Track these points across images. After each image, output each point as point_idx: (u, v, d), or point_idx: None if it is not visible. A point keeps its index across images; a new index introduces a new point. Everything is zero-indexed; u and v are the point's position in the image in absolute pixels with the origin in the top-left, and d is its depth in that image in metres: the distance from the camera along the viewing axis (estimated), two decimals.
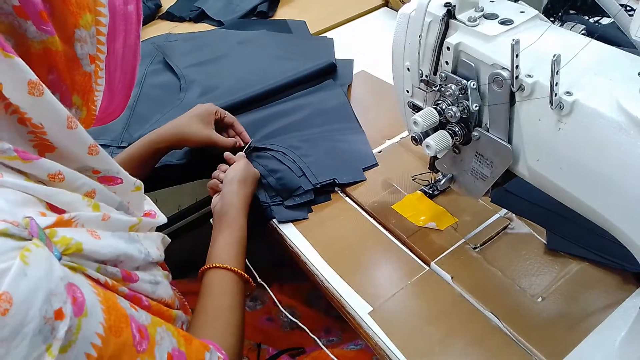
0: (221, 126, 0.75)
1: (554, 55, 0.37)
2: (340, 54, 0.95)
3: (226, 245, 0.59)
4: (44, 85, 0.34)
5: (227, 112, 0.75)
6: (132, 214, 0.47)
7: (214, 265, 0.56)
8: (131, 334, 0.35)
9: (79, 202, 0.38)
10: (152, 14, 1.15)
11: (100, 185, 0.41)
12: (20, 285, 0.28)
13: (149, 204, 0.54)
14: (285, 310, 0.78)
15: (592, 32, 0.88)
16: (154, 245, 0.47)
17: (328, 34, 1.03)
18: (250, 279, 0.58)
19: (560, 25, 0.93)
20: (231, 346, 0.50)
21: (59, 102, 0.36)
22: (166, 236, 0.53)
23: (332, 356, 0.59)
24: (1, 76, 0.32)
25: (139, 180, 0.47)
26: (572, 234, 0.58)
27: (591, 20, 0.91)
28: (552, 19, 1.00)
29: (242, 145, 0.75)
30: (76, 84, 0.39)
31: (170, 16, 1.14)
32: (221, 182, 0.66)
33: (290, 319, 0.70)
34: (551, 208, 0.60)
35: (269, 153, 0.73)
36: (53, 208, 0.36)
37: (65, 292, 0.31)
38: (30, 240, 0.31)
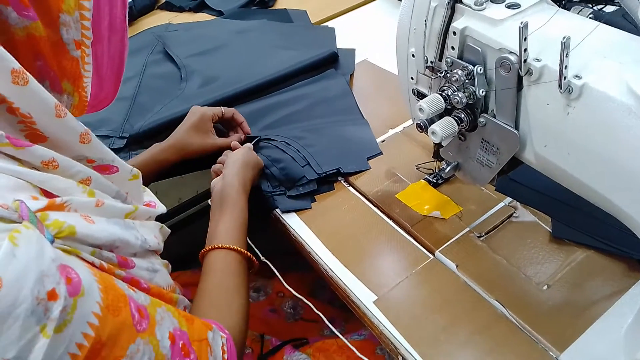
0: (222, 121, 0.74)
1: (564, 37, 0.36)
2: (341, 43, 0.95)
3: (227, 226, 0.58)
4: (28, 74, 0.34)
5: (222, 108, 0.73)
6: (130, 204, 0.46)
7: (216, 246, 0.55)
8: (130, 313, 0.34)
9: (74, 188, 0.37)
10: (151, 4, 1.14)
11: (97, 173, 0.41)
12: (9, 267, 0.28)
13: (149, 195, 0.54)
14: (289, 301, 0.78)
15: (598, 18, 0.87)
16: (151, 234, 0.46)
17: (329, 24, 1.02)
18: (254, 257, 0.57)
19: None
20: (236, 324, 0.49)
21: (45, 91, 0.35)
22: (165, 226, 0.52)
23: (346, 342, 0.57)
24: None
25: (135, 169, 0.47)
26: (578, 221, 0.58)
27: (595, 8, 0.91)
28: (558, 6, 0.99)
29: (244, 138, 0.74)
30: (65, 70, 0.38)
31: (169, 6, 1.14)
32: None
33: (296, 306, 0.70)
34: (556, 196, 0.60)
35: (272, 143, 0.73)
36: (47, 194, 0.36)
37: (57, 273, 0.30)
38: (20, 222, 0.30)
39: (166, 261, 0.51)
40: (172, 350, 0.37)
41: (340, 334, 0.73)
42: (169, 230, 0.53)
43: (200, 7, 1.12)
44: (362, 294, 0.56)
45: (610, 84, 0.37)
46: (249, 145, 0.70)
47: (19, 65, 0.33)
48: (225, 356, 0.44)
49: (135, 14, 1.10)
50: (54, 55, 0.37)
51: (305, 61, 0.87)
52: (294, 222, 0.65)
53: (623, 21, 0.83)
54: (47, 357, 0.29)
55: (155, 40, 0.99)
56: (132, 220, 0.44)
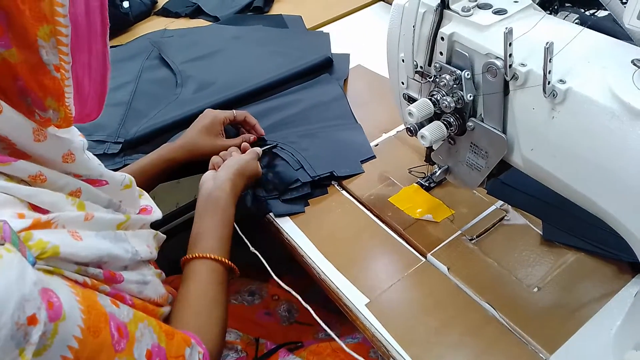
0: (234, 124, 0.75)
1: (547, 43, 0.37)
2: (336, 48, 0.95)
3: (213, 233, 0.57)
4: (2, 103, 0.34)
5: (234, 112, 0.74)
6: (125, 212, 0.46)
7: (201, 255, 0.54)
8: (109, 333, 0.35)
9: (63, 201, 0.37)
10: (147, 10, 1.15)
11: (86, 184, 0.41)
12: None
13: (146, 199, 0.54)
14: (283, 304, 0.78)
15: (584, 22, 0.88)
16: (143, 243, 0.46)
17: (324, 29, 1.03)
18: (236, 268, 0.57)
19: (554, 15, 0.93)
20: (214, 338, 0.49)
21: (21, 117, 0.35)
22: (160, 233, 0.52)
23: (342, 344, 0.57)
24: None
25: (128, 177, 0.47)
26: (568, 224, 0.58)
27: (587, 13, 0.92)
28: (548, 11, 1.00)
29: (254, 139, 0.74)
30: (47, 88, 0.38)
31: (166, 12, 1.14)
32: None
33: (290, 309, 0.70)
34: (547, 199, 0.60)
35: (266, 147, 0.73)
36: (35, 208, 0.36)
37: (39, 298, 0.30)
38: (2, 245, 0.30)
39: (160, 271, 0.51)
40: None
41: (332, 339, 0.73)
42: (164, 237, 0.53)
43: (197, 13, 1.13)
44: (355, 297, 0.56)
45: (593, 88, 0.38)
46: (257, 150, 0.70)
47: None
48: None
49: (132, 20, 1.11)
50: (34, 76, 0.37)
51: (299, 66, 0.88)
52: (288, 227, 0.65)
53: (615, 26, 0.84)
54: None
55: (151, 46, 1.00)
56: (124, 230, 0.44)
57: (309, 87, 0.86)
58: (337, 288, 0.58)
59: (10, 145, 0.36)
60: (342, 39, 0.99)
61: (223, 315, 0.52)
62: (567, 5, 0.97)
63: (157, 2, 1.18)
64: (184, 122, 0.76)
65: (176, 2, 1.16)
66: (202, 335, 0.47)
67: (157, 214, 0.51)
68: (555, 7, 1.02)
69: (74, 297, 0.33)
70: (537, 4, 1.07)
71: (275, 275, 0.78)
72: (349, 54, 0.93)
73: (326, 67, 0.89)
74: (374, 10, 1.07)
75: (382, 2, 1.08)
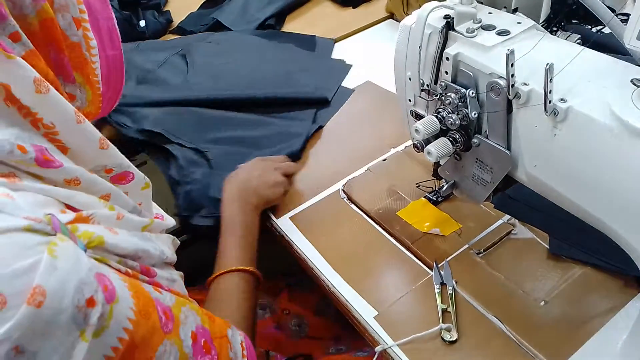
0: None
1: (547, 64, 0.38)
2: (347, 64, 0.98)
3: (233, 248, 0.60)
4: (47, 83, 0.35)
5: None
6: (144, 216, 0.48)
7: (231, 269, 0.57)
8: (158, 316, 0.37)
9: (96, 203, 0.39)
10: (163, 29, 1.18)
11: (114, 187, 0.42)
12: (51, 278, 0.30)
13: (156, 208, 0.56)
14: (294, 319, 0.79)
15: (586, 41, 0.89)
16: (166, 245, 0.48)
17: (335, 46, 1.05)
18: (259, 274, 0.60)
19: (557, 35, 0.95)
20: (251, 337, 0.52)
21: (64, 99, 0.37)
22: (176, 239, 0.54)
23: None
24: (7, 78, 0.33)
25: (147, 177, 0.49)
26: (574, 238, 0.59)
27: (593, 29, 0.93)
28: (555, 28, 1.02)
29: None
30: (70, 60, 0.39)
31: (181, 30, 1.17)
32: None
33: (301, 324, 0.71)
34: (553, 213, 0.61)
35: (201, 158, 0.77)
36: (71, 209, 0.38)
37: (95, 281, 0.32)
38: (54, 235, 0.32)
39: (181, 272, 0.53)
40: (194, 349, 0.39)
41: (346, 351, 0.74)
42: (179, 243, 0.55)
43: (213, 30, 1.16)
44: (364, 310, 0.57)
45: (593, 107, 0.39)
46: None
47: (39, 74, 0.35)
48: (245, 352, 0.46)
49: (148, 38, 1.15)
50: (63, 40, 0.38)
51: (293, 94, 0.89)
52: (298, 240, 0.67)
53: (619, 43, 0.85)
54: (73, 344, 0.31)
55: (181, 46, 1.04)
56: (149, 232, 0.46)
57: (284, 118, 0.86)
58: (347, 300, 0.59)
59: (51, 137, 0.36)
60: (352, 55, 1.01)
61: (254, 322, 0.56)
62: (574, 22, 0.99)
63: (172, 21, 1.22)
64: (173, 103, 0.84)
65: (191, 21, 1.19)
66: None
67: (170, 220, 0.53)
68: (562, 23, 1.04)
69: (123, 282, 0.35)
70: (544, 21, 1.09)
71: (288, 287, 0.79)
72: (353, 89, 0.93)
73: (321, 102, 0.89)
74: (383, 27, 1.09)
75: (391, 19, 1.10)
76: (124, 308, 0.34)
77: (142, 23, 1.15)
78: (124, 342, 0.33)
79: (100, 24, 0.41)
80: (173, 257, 0.49)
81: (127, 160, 0.44)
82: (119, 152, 0.43)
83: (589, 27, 0.95)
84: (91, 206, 0.39)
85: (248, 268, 0.58)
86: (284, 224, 0.69)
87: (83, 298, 0.31)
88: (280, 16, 1.15)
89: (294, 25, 1.14)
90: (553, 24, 1.01)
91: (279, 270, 0.82)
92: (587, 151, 0.40)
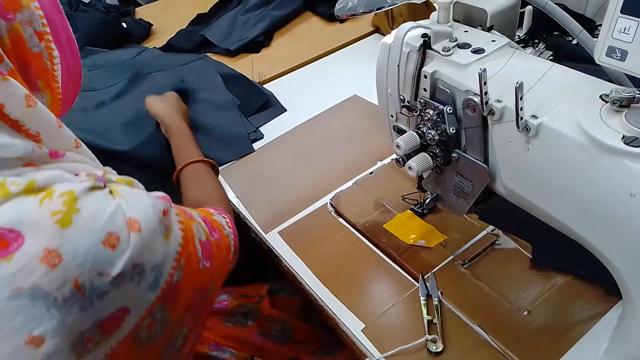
0: None
1: (517, 82, 0.40)
2: (333, 78, 1.00)
3: (189, 147, 0.74)
4: (34, 97, 0.38)
5: None
6: None
7: (189, 162, 0.69)
8: (185, 213, 0.47)
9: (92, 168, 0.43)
10: (145, 32, 1.26)
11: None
12: (133, 210, 0.38)
13: None
14: (277, 324, 0.80)
15: (565, 52, 0.91)
16: None
17: (322, 60, 1.07)
18: (216, 164, 0.74)
19: (539, 47, 0.97)
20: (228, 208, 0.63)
21: (45, 108, 0.40)
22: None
23: None
24: (1, 97, 0.36)
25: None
26: (556, 248, 0.60)
27: (574, 41, 0.95)
28: (536, 40, 1.04)
29: None
30: (35, 69, 0.42)
31: (170, 47, 1.19)
32: None
33: (285, 329, 0.72)
34: (535, 223, 0.62)
35: None
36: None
37: (158, 200, 0.41)
38: (105, 187, 0.39)
39: None
40: (208, 226, 0.50)
41: (332, 356, 0.75)
42: None
43: (201, 48, 1.18)
44: (351, 323, 0.58)
45: (563, 123, 0.41)
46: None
47: (28, 90, 0.38)
48: (232, 231, 0.56)
49: (134, 39, 1.19)
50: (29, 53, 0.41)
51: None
52: (286, 254, 0.68)
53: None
54: (164, 246, 0.40)
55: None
56: None
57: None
58: (334, 314, 0.60)
59: (37, 142, 0.39)
60: (339, 69, 1.03)
61: (224, 194, 0.69)
62: (555, 33, 1.01)
63: (153, 25, 1.26)
64: None
65: (181, 38, 1.21)
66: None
67: None
68: (544, 36, 1.06)
69: (165, 202, 0.43)
70: (526, 34, 1.11)
71: (270, 293, 0.80)
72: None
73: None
74: (369, 42, 1.11)
75: (377, 34, 1.12)
76: (174, 216, 0.43)
77: (124, 25, 1.20)
78: (182, 236, 0.43)
79: (60, 36, 0.44)
80: None
81: (95, 159, 0.48)
82: (89, 151, 0.46)
83: (570, 38, 0.97)
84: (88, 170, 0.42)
85: (209, 160, 0.72)
86: (272, 238, 0.70)
87: (160, 212, 0.40)
88: (269, 33, 1.16)
89: (282, 41, 1.16)
90: (535, 37, 1.03)
91: (259, 278, 0.82)
92: (559, 166, 0.41)
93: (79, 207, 0.36)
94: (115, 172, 0.45)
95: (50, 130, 0.40)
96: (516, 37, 1.00)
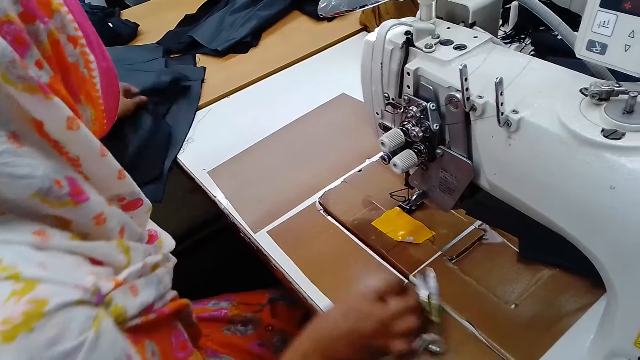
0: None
1: (497, 77, 0.40)
2: (322, 77, 1.00)
3: None
4: (78, 120, 0.36)
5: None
6: (145, 238, 0.48)
7: None
8: None
9: (114, 250, 0.40)
10: (132, 32, 1.25)
11: (127, 218, 0.43)
12: (92, 356, 0.33)
13: (150, 224, 0.56)
14: (278, 335, 0.79)
15: (549, 47, 0.91)
16: (169, 277, 0.48)
17: (310, 59, 1.07)
18: None
19: (524, 41, 0.97)
20: None
21: (91, 134, 0.38)
22: (174, 258, 0.54)
23: None
24: (42, 115, 0.34)
25: (149, 202, 0.49)
26: (543, 241, 0.60)
27: (559, 36, 0.96)
28: (522, 36, 1.04)
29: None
30: (75, 80, 0.39)
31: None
32: None
33: (286, 339, 0.71)
34: (522, 218, 0.63)
35: None
36: (93, 261, 0.38)
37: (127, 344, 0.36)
38: (98, 306, 0.34)
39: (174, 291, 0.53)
40: None
41: None
42: (175, 261, 0.56)
43: (189, 49, 1.17)
44: None
45: (543, 117, 0.41)
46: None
47: (71, 112, 0.36)
48: None
49: (124, 39, 1.20)
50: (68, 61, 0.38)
51: None
52: (276, 253, 0.68)
53: None
54: None
55: None
56: (159, 268, 0.45)
57: None
58: (324, 312, 0.60)
59: (76, 166, 0.37)
60: (327, 68, 1.03)
61: None
62: (541, 29, 1.02)
63: (139, 26, 1.25)
64: None
65: (169, 39, 1.20)
66: None
67: (169, 242, 0.52)
68: (529, 31, 1.07)
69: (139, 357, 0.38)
70: (511, 30, 1.11)
71: (271, 302, 0.80)
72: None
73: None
74: (357, 40, 1.11)
75: (364, 32, 1.13)
76: None
77: (110, 25, 1.20)
78: None
79: (91, 38, 0.41)
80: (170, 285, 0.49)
81: (137, 187, 0.45)
82: (132, 181, 0.44)
83: (556, 33, 0.98)
84: (111, 256, 0.39)
85: None
86: (261, 238, 0.70)
87: None
88: (257, 33, 1.16)
89: (270, 40, 1.16)
90: (521, 32, 1.04)
91: (261, 285, 0.82)
92: (540, 160, 0.42)
93: (34, 326, 0.31)
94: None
95: (91, 156, 0.38)
96: (502, 32, 1.01)
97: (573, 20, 0.97)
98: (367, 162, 0.79)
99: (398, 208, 0.70)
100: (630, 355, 0.44)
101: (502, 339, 0.53)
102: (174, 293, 0.48)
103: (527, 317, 0.55)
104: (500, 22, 1.01)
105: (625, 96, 0.38)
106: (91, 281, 0.35)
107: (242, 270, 0.67)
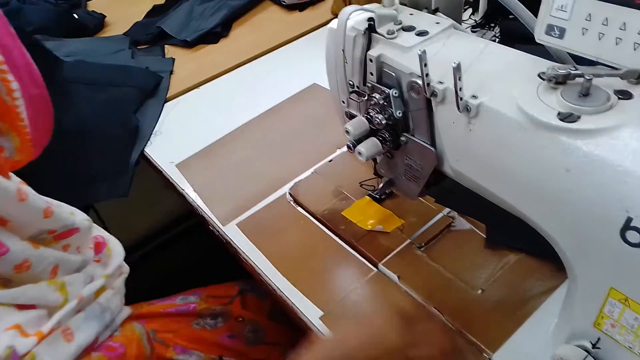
0: None
1: (454, 62, 0.40)
2: (293, 68, 0.99)
3: None
4: None
5: None
6: (89, 261, 0.46)
7: None
8: None
9: (46, 290, 0.37)
10: (99, 24, 1.21)
11: (60, 254, 0.40)
12: None
13: (98, 230, 0.55)
14: (249, 325, 0.79)
15: (513, 34, 0.92)
16: (118, 296, 0.46)
17: (281, 50, 1.06)
18: None
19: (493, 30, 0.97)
20: None
21: (4, 179, 0.35)
22: (125, 267, 0.52)
23: None
24: None
25: (85, 216, 0.46)
26: (509, 227, 0.61)
27: None
28: (492, 24, 1.05)
29: None
30: None
31: None
32: None
33: (257, 330, 0.71)
34: (488, 204, 0.63)
35: None
36: (20, 307, 0.36)
37: None
38: None
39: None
40: None
41: None
42: (128, 270, 0.54)
43: (157, 40, 1.15)
44: (309, 311, 0.58)
45: (502, 102, 0.41)
46: None
47: None
48: None
49: (90, 31, 1.17)
50: None
51: None
52: (245, 246, 0.67)
53: None
54: None
55: None
56: (104, 297, 0.43)
57: None
58: (292, 303, 0.59)
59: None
60: (298, 58, 1.02)
61: None
62: (510, 17, 1.02)
63: (106, 17, 1.22)
64: None
65: (136, 30, 1.18)
66: None
67: (118, 253, 0.51)
68: (498, 20, 1.07)
69: None
70: (481, 18, 1.11)
71: (241, 294, 0.79)
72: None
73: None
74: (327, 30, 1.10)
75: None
76: None
77: (76, 16, 1.16)
78: None
79: (17, 62, 0.37)
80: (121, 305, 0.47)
81: (72, 218, 0.42)
82: (64, 213, 0.41)
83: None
84: (42, 297, 0.37)
85: None
86: (230, 231, 0.69)
87: None
88: (227, 23, 1.14)
89: (241, 30, 1.14)
90: (491, 21, 1.04)
91: (232, 278, 0.81)
92: (500, 145, 0.42)
93: None
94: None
95: (7, 204, 0.35)
96: (473, 21, 1.01)
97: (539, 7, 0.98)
98: (338, 151, 0.79)
99: (368, 197, 0.69)
100: (591, 336, 0.45)
101: (469, 324, 0.54)
102: (127, 312, 0.46)
103: (493, 302, 0.56)
104: (472, 11, 1.02)
105: (582, 79, 0.39)
106: (5, 342, 0.32)
107: (214, 265, 0.66)
